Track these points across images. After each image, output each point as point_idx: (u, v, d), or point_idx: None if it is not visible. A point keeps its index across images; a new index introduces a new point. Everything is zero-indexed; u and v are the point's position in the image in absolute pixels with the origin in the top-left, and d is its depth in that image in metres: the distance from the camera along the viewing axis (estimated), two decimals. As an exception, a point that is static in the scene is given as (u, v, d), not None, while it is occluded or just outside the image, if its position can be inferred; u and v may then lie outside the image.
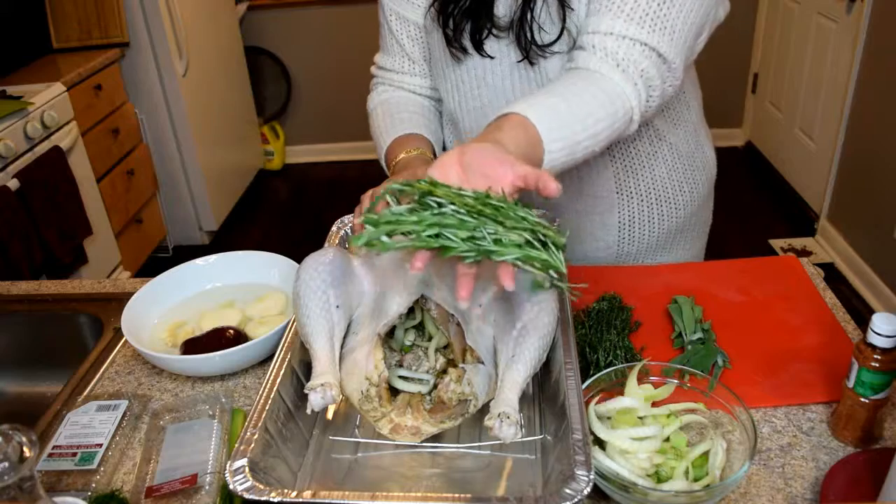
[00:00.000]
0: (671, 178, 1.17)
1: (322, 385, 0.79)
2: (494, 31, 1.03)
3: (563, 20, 0.97)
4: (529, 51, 1.01)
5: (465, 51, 1.07)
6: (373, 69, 1.25)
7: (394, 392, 0.83)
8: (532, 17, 0.98)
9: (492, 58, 1.05)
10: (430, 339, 0.89)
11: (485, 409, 0.81)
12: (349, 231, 1.11)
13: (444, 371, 0.83)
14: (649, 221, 1.19)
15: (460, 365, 0.82)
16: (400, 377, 0.85)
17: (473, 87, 1.11)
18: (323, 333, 0.84)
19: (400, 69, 1.20)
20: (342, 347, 0.86)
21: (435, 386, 0.82)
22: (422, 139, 1.13)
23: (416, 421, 0.80)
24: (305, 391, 0.79)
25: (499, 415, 0.76)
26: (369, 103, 1.24)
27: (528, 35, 0.99)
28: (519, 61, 1.03)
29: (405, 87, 1.21)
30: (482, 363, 0.83)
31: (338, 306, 0.86)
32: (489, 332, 0.86)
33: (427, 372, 0.85)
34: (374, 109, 1.22)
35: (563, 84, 0.88)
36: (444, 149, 1.22)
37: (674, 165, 1.17)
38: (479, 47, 1.05)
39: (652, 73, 0.89)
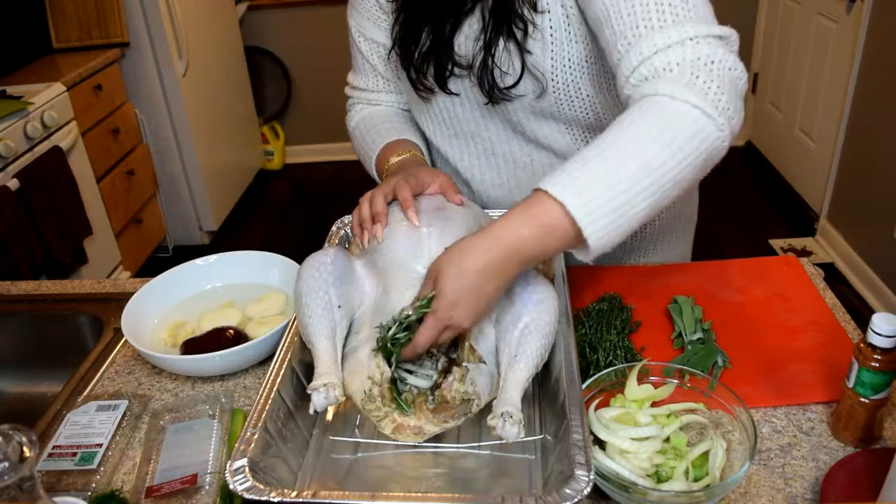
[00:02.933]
0: None
1: (324, 385, 0.79)
2: (456, 71, 1.03)
3: (523, 63, 0.97)
4: (492, 94, 1.01)
5: (430, 90, 1.07)
6: (347, 90, 1.24)
7: (397, 392, 0.83)
8: (493, 61, 0.98)
9: (457, 95, 1.06)
10: None
11: (486, 409, 0.81)
12: (349, 231, 1.11)
13: (447, 371, 0.83)
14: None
15: (463, 364, 0.82)
16: (405, 370, 0.85)
17: (444, 118, 1.12)
18: (325, 333, 0.84)
19: (375, 88, 1.20)
20: (344, 347, 0.86)
21: (438, 385, 0.82)
22: (410, 143, 1.13)
23: (418, 420, 0.80)
24: (308, 391, 0.79)
25: (502, 414, 0.77)
26: (349, 123, 1.23)
27: (490, 79, 0.99)
28: (485, 104, 1.04)
29: (382, 104, 1.21)
30: (484, 363, 0.83)
31: (339, 306, 0.86)
32: (491, 332, 0.86)
33: (430, 367, 0.86)
34: (355, 128, 1.21)
35: (606, 148, 0.75)
36: (433, 161, 1.22)
37: None
38: (443, 86, 1.05)
39: (719, 55, 0.77)
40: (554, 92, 0.99)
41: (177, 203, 3.43)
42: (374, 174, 1.14)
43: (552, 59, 0.96)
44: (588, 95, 0.99)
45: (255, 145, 4.15)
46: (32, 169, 2.35)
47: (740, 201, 3.57)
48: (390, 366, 0.81)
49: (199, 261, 1.21)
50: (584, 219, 0.71)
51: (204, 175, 3.39)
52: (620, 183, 0.72)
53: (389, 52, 1.09)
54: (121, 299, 1.14)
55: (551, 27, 0.94)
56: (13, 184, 2.25)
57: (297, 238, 3.58)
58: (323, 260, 0.89)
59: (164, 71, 3.13)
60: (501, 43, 0.96)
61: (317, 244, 1.01)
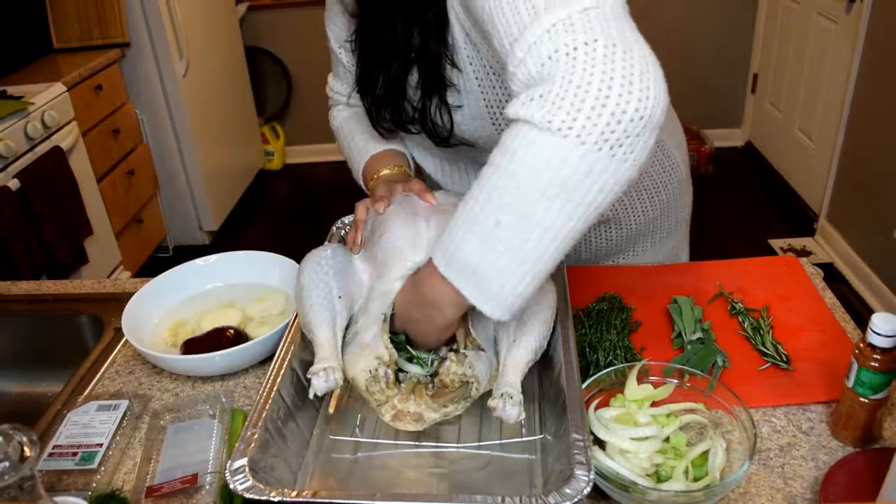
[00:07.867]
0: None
1: (324, 369, 0.79)
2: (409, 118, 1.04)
3: (451, 119, 0.98)
4: (438, 142, 1.02)
5: (391, 131, 1.09)
6: (328, 91, 1.24)
7: (397, 379, 0.84)
8: (429, 116, 0.99)
9: (417, 133, 1.07)
10: None
11: (486, 409, 0.81)
12: (349, 231, 1.11)
13: (446, 359, 0.84)
14: (606, 230, 1.18)
15: (462, 351, 0.83)
16: (405, 358, 0.86)
17: (416, 142, 1.14)
18: (326, 323, 0.85)
19: (355, 95, 1.19)
20: (343, 338, 0.86)
21: (437, 371, 0.83)
22: (398, 155, 1.13)
23: (418, 407, 0.80)
24: (308, 375, 0.80)
25: (502, 395, 0.77)
26: (332, 122, 1.23)
27: (432, 128, 1.00)
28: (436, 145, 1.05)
29: (364, 106, 1.21)
30: (483, 350, 0.83)
31: (340, 297, 0.87)
32: (489, 321, 0.86)
33: (428, 352, 0.86)
34: (339, 128, 1.21)
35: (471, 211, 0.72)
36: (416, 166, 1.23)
37: None
38: (402, 128, 1.06)
39: (580, 38, 0.64)
40: (499, 133, 0.99)
41: (177, 203, 3.43)
42: (360, 182, 1.15)
43: (486, 105, 0.96)
44: None
45: (255, 145, 4.15)
46: (33, 169, 2.35)
47: (740, 201, 3.57)
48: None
49: (199, 261, 1.21)
50: (458, 283, 0.73)
51: (204, 175, 3.39)
52: (476, 241, 0.70)
53: (350, 92, 1.10)
54: (121, 299, 1.14)
55: (477, 78, 0.94)
56: (13, 184, 2.25)
57: (297, 238, 3.58)
58: (324, 254, 0.91)
59: (165, 71, 3.13)
60: (435, 100, 0.97)
61: (317, 244, 1.01)
